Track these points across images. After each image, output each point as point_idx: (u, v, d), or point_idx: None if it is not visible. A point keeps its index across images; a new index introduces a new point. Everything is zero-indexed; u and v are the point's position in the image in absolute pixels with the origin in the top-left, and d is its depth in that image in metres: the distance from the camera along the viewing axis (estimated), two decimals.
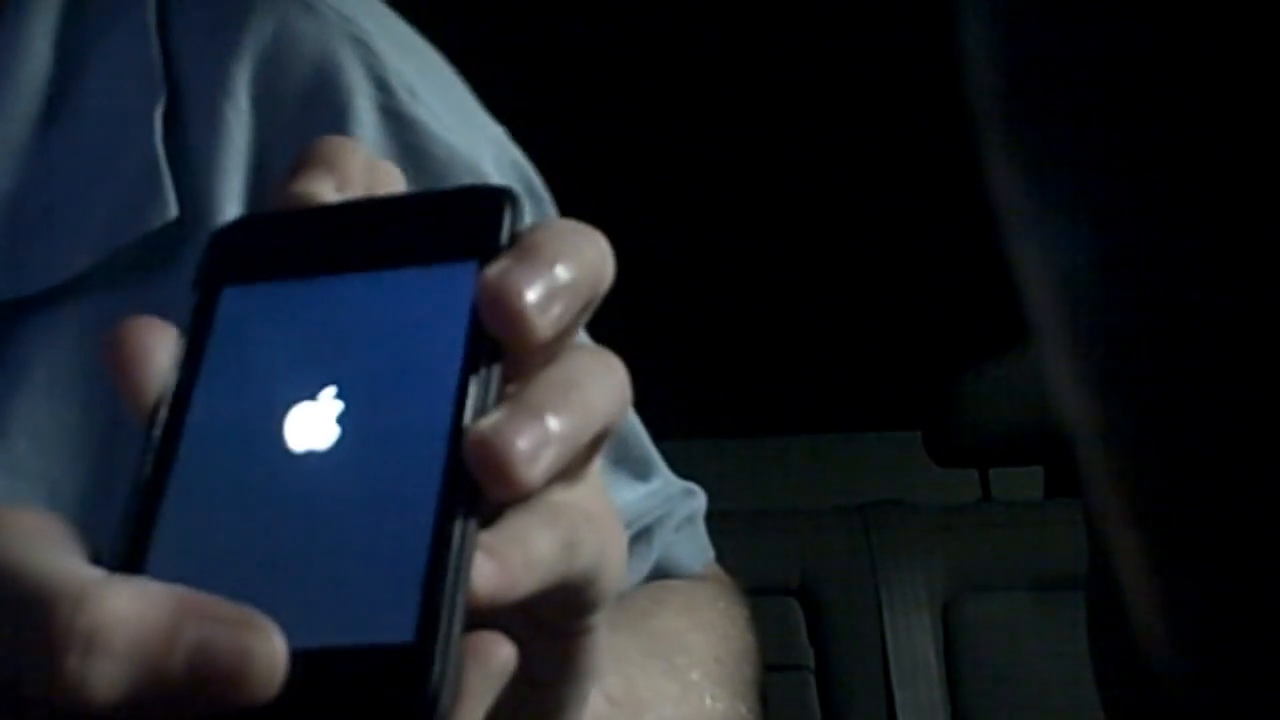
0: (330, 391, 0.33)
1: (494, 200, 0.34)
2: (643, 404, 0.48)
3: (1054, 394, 0.28)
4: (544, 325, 0.32)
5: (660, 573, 0.68)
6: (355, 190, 0.36)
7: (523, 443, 0.31)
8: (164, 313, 0.35)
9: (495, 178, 0.60)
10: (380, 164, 0.38)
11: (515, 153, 0.63)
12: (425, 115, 0.58)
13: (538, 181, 0.63)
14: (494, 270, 0.32)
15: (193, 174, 0.56)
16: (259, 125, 0.57)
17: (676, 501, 0.68)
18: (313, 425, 0.32)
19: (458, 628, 0.30)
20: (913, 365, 2.51)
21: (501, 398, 0.32)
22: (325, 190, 0.36)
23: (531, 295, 0.32)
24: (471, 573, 0.30)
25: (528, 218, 0.35)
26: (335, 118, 0.56)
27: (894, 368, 2.75)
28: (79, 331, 0.55)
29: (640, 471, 0.66)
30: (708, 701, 0.59)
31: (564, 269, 0.33)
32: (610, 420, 0.34)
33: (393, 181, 0.38)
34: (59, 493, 0.53)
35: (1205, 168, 0.23)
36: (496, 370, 0.32)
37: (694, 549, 0.70)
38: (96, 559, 0.31)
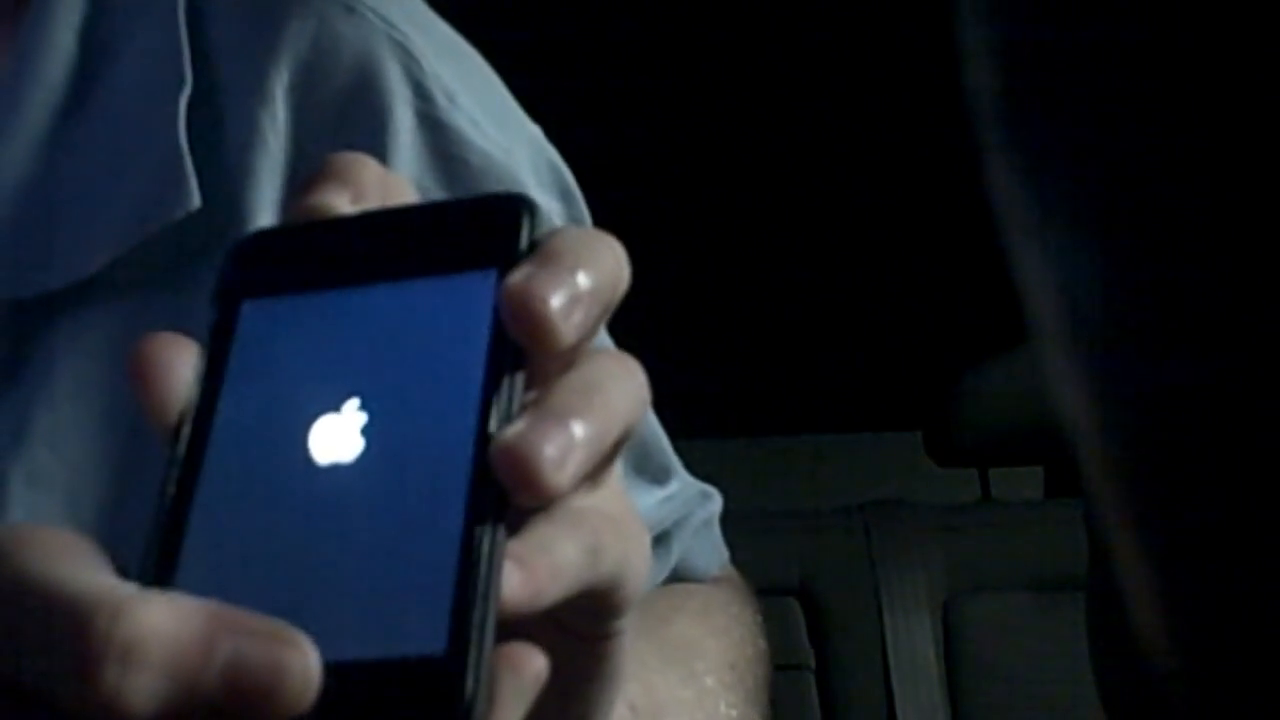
0: (353, 403, 0.32)
1: (512, 208, 0.34)
2: None
3: (1054, 394, 0.28)
4: (568, 331, 0.32)
5: (676, 575, 0.68)
6: (370, 204, 0.36)
7: (550, 449, 0.31)
8: (192, 318, 0.35)
9: (531, 183, 0.59)
10: (393, 178, 0.37)
11: (552, 154, 0.62)
12: (463, 122, 0.58)
13: (572, 184, 0.62)
14: (517, 277, 0.32)
15: (227, 178, 0.55)
16: (295, 134, 0.56)
17: (694, 504, 0.68)
18: (337, 437, 0.32)
19: (490, 637, 0.30)
20: (913, 365, 2.52)
21: (523, 405, 0.32)
22: (340, 203, 0.36)
23: (555, 301, 0.32)
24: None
25: (561, 220, 0.35)
26: (374, 125, 0.56)
27: (894, 368, 2.75)
28: (103, 335, 0.54)
29: (660, 477, 0.66)
30: (722, 708, 0.60)
31: (585, 275, 0.33)
32: (631, 423, 0.34)
33: (406, 196, 0.37)
34: (78, 501, 0.53)
35: (1205, 169, 0.23)
36: (519, 377, 0.32)
37: (710, 552, 0.70)
38: (123, 574, 0.31)
